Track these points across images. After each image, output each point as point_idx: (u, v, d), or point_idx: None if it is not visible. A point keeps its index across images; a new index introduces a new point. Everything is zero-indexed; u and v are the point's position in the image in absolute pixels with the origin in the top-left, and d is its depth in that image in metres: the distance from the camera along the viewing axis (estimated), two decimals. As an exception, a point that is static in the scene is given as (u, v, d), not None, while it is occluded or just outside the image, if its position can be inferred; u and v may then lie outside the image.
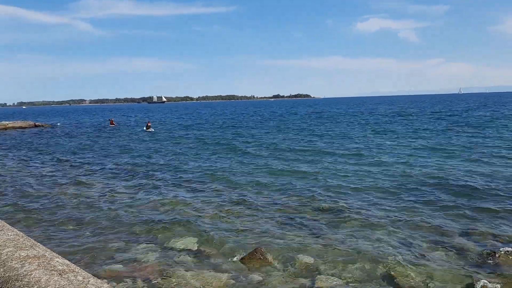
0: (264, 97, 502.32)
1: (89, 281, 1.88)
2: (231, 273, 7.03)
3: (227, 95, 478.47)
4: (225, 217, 10.33)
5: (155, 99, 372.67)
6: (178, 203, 11.75)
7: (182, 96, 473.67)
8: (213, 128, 42.30)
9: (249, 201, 11.73)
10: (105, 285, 1.95)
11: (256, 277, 6.84)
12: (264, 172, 16.31)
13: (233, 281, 6.73)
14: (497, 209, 10.14)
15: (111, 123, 50.23)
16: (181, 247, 8.32)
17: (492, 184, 12.75)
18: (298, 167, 17.10)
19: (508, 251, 7.43)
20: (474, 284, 6.30)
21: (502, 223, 9.14)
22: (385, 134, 29.53)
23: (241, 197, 12.23)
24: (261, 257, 7.41)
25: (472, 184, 12.81)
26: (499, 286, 6.24)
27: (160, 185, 14.16)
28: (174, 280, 6.79)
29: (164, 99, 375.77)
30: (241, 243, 8.48)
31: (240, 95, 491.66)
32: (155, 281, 6.76)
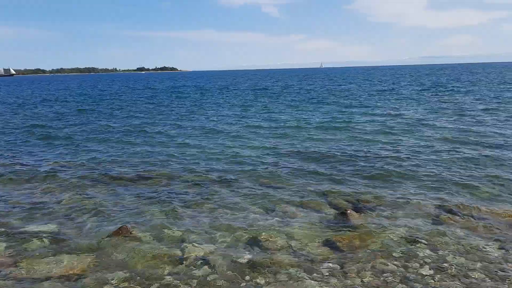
0: (128, 69, 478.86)
1: None
2: (95, 253, 6.62)
3: (86, 68, 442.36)
4: (86, 196, 9.65)
5: (1, 71, 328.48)
6: (32, 186, 10.64)
7: (33, 68, 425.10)
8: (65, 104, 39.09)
9: (112, 177, 11.16)
10: None
11: (122, 255, 6.55)
12: (124, 147, 15.70)
13: (98, 262, 6.36)
14: (347, 172, 11.27)
15: None
16: (36, 233, 7.54)
17: (340, 150, 14.10)
18: (159, 141, 16.85)
19: (356, 209, 8.33)
20: (331, 239, 6.94)
21: (352, 185, 10.16)
22: (246, 107, 30.54)
23: (102, 174, 11.57)
24: (127, 234, 7.12)
25: (325, 151, 14.02)
26: (348, 240, 6.94)
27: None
28: (29, 268, 6.16)
29: (13, 72, 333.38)
30: (105, 222, 8.04)
31: (101, 67, 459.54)
32: (5, 272, 6.05)
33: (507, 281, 5.50)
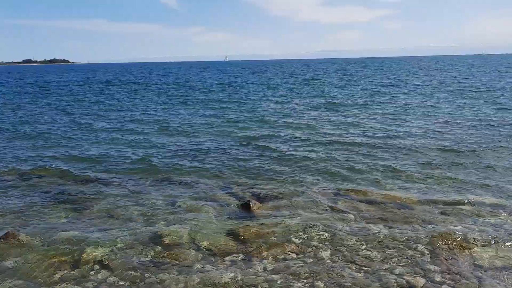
0: (12, 62, 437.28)
1: None
2: (-23, 265, 5.96)
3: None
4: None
5: None
6: None
7: None
8: None
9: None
10: None
11: (10, 263, 5.98)
12: (10, 142, 14.46)
13: (-21, 273, 5.73)
14: (249, 164, 11.49)
15: None
16: None
17: (240, 142, 14.34)
18: (48, 136, 15.87)
19: (258, 200, 8.51)
20: (234, 231, 7.00)
21: (253, 176, 10.37)
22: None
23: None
24: (14, 241, 6.50)
25: (226, 145, 14.15)
26: (251, 231, 7.07)
27: None
28: None
29: None
30: (-13, 229, 7.27)
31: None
32: None
33: (395, 256, 6.03)
